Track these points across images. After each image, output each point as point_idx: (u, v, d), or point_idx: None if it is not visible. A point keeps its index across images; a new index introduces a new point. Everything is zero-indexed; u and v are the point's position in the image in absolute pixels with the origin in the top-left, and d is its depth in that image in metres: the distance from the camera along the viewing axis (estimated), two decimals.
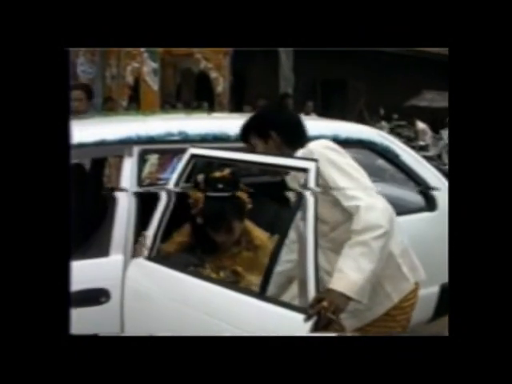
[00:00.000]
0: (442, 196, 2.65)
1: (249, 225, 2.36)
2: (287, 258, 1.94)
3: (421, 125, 11.72)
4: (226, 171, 2.31)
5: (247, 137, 1.96)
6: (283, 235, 1.74)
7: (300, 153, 1.85)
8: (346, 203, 1.70)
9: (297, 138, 1.93)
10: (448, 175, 2.76)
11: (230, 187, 2.29)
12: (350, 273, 1.57)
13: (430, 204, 2.66)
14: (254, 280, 2.06)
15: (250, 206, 2.33)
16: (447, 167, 6.86)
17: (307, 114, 7.78)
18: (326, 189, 1.75)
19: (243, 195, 2.34)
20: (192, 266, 2.25)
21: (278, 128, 1.91)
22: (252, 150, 1.95)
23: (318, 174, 1.66)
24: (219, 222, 2.27)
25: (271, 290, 1.85)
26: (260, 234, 2.36)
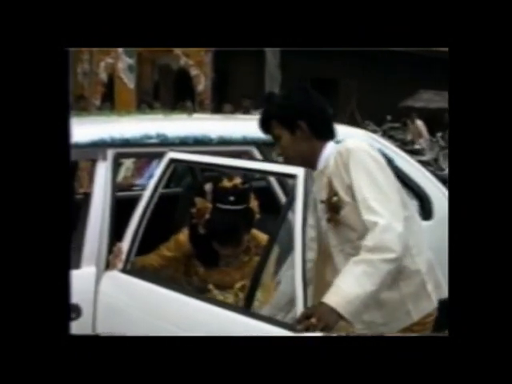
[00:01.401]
0: (438, 203, 2.68)
1: (253, 230, 2.35)
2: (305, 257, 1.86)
3: (419, 122, 11.80)
4: (237, 180, 2.27)
5: (268, 126, 1.84)
6: (271, 244, 1.73)
7: (335, 150, 1.78)
8: (366, 216, 1.65)
9: (327, 129, 1.84)
10: (446, 180, 2.81)
11: (242, 199, 2.25)
12: (347, 290, 1.56)
13: (426, 212, 2.69)
14: (266, 285, 2.01)
15: (258, 215, 2.32)
16: (444, 172, 6.94)
17: None
18: (344, 194, 1.72)
19: (254, 205, 2.32)
20: (195, 289, 2.22)
21: (307, 117, 1.79)
22: (275, 141, 1.85)
23: (308, 180, 1.67)
24: (228, 237, 2.25)
25: (287, 291, 1.82)
26: (264, 237, 2.34)
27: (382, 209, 1.64)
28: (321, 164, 1.81)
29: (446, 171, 7.01)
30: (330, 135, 1.84)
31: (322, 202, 1.79)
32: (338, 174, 1.75)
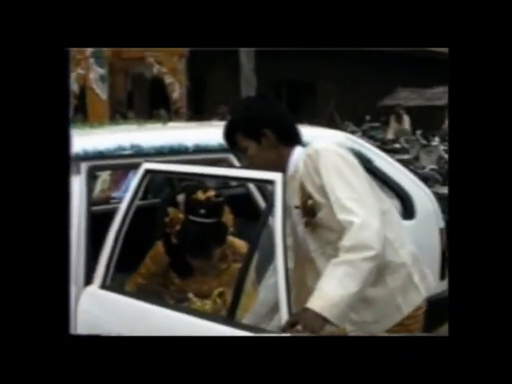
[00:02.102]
0: (420, 203, 2.71)
1: (228, 237, 2.37)
2: None
3: (406, 117, 11.81)
4: (211, 192, 2.28)
5: (233, 139, 1.86)
6: (252, 250, 1.73)
7: (303, 153, 1.79)
8: (340, 216, 1.66)
9: (293, 134, 1.86)
10: (427, 179, 2.86)
11: (214, 212, 2.27)
12: (330, 293, 1.56)
13: (408, 212, 2.71)
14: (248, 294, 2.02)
15: (232, 229, 2.33)
16: (425, 171, 7.02)
17: None
18: (319, 197, 1.72)
19: (228, 219, 2.33)
20: (174, 300, 2.23)
21: (272, 124, 1.82)
22: (242, 153, 1.86)
23: (285, 184, 1.67)
24: (198, 249, 2.27)
25: (268, 300, 1.83)
26: (240, 243, 2.38)
27: (357, 207, 1.66)
28: (290, 169, 1.82)
29: (427, 169, 7.10)
30: (296, 140, 1.86)
31: (297, 207, 1.80)
32: (309, 176, 1.76)
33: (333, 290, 1.57)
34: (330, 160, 1.72)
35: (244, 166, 1.92)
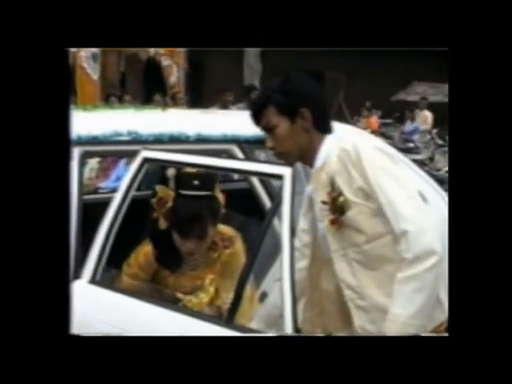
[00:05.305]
0: (435, 205, 2.74)
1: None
2: (298, 265, 1.80)
3: (427, 113, 11.73)
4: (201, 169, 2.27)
5: (263, 113, 1.78)
6: (255, 254, 1.74)
7: (337, 146, 1.75)
8: (394, 221, 1.67)
9: (329, 121, 1.83)
10: (442, 181, 2.90)
11: (207, 184, 2.26)
12: (404, 313, 1.61)
13: None
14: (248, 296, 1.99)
15: (223, 210, 2.35)
16: (441, 172, 7.06)
17: None
18: (367, 196, 1.71)
19: (220, 196, 2.34)
20: (166, 299, 2.23)
21: (312, 104, 1.77)
22: (268, 132, 1.79)
23: (295, 180, 1.69)
24: (192, 226, 2.24)
25: (279, 304, 1.81)
26: (226, 228, 2.40)
27: (411, 209, 1.66)
28: (319, 160, 1.78)
29: (443, 171, 7.14)
30: (329, 128, 1.83)
31: (324, 202, 1.76)
32: (345, 173, 1.72)
33: (405, 310, 1.61)
34: (376, 160, 1.70)
35: (269, 148, 1.81)
